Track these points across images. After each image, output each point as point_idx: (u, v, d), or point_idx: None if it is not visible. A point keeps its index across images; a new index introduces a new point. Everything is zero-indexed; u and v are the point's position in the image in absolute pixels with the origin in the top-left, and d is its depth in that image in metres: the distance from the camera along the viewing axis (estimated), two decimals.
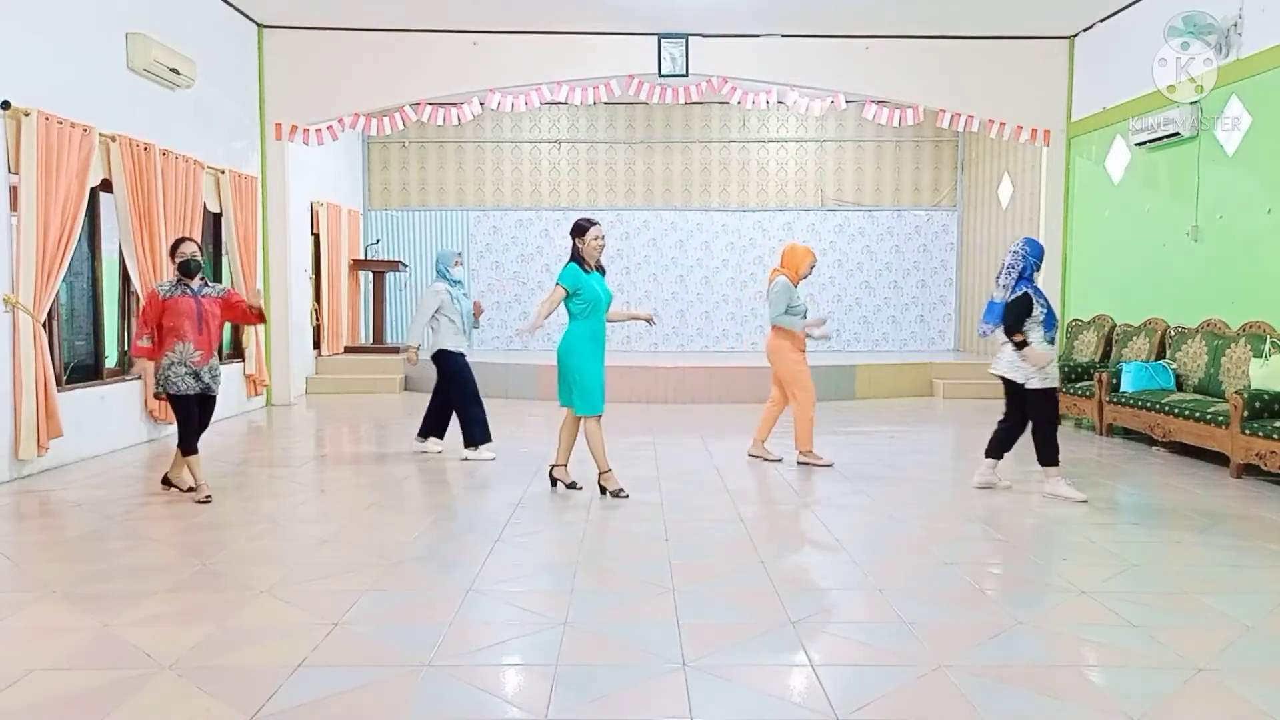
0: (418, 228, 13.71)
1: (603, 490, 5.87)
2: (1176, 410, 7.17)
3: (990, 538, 5.00)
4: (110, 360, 7.78)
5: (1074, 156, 10.43)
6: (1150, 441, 7.66)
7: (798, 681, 3.16)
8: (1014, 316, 5.73)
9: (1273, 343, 6.95)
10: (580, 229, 5.76)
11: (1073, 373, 9.00)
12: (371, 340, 12.95)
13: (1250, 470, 6.48)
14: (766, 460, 7.07)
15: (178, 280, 5.67)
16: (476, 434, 7.09)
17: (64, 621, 3.67)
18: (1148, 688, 3.09)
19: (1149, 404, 7.54)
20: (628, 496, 5.81)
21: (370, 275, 12.98)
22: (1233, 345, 7.43)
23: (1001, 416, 6.08)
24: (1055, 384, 5.86)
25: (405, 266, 13.12)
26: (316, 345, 11.87)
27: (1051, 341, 5.79)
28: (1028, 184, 11.39)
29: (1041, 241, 5.90)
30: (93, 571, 4.34)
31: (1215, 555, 4.73)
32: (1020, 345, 5.71)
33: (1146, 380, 7.84)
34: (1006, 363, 5.87)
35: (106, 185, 7.39)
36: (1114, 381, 8.17)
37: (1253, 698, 3.01)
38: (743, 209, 13.65)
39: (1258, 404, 6.43)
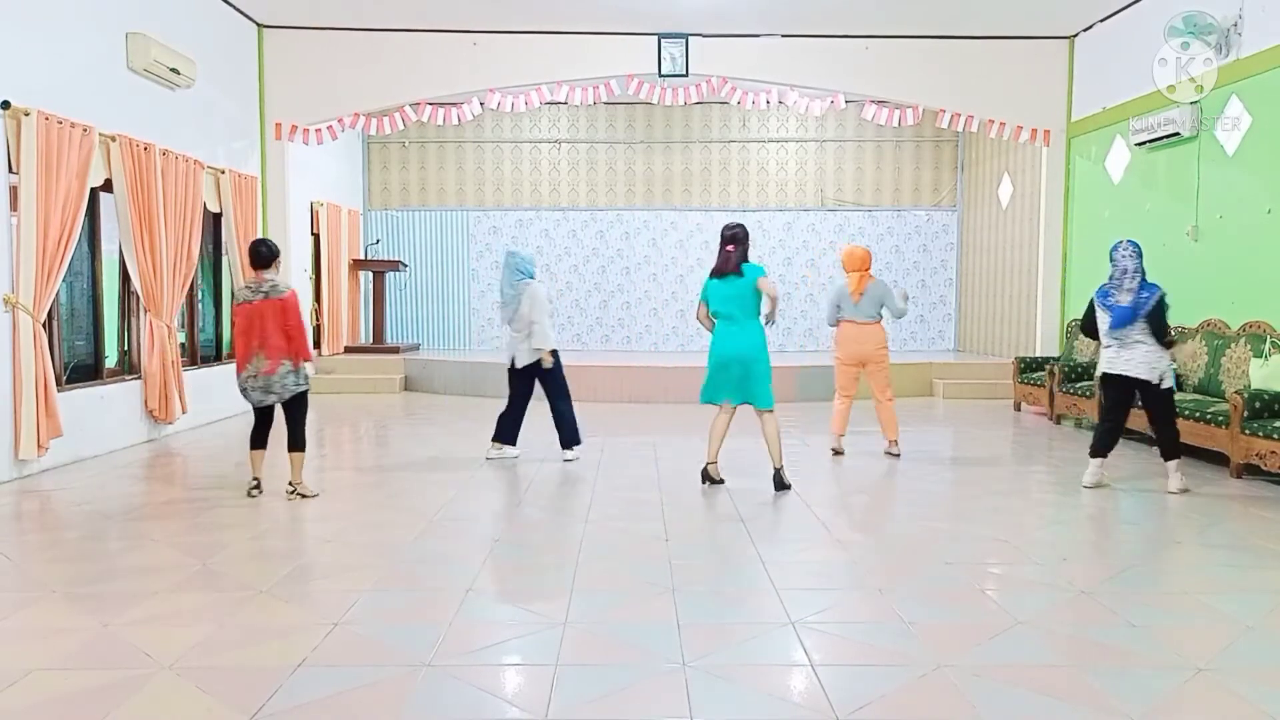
0: (418, 228, 13.71)
1: (780, 484, 6.01)
2: (1176, 410, 7.14)
3: (990, 537, 5.00)
4: (110, 360, 7.78)
5: (1074, 156, 10.43)
6: (1150, 441, 7.64)
7: (798, 681, 3.16)
8: (1164, 318, 5.78)
9: (1273, 343, 6.95)
10: (747, 231, 6.00)
11: (1072, 373, 9.00)
12: (371, 340, 12.95)
13: (1250, 470, 6.47)
14: (840, 453, 7.41)
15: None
16: (576, 435, 7.17)
17: (64, 621, 3.67)
18: (1148, 688, 3.09)
19: None
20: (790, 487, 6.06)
21: (370, 275, 12.99)
22: (1233, 345, 7.43)
23: (1106, 416, 6.21)
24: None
25: (405, 266, 13.12)
26: (317, 345, 11.86)
27: None
28: (1028, 184, 11.39)
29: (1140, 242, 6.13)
30: (93, 571, 4.34)
31: (1215, 555, 4.73)
32: (1171, 344, 5.81)
33: None
34: (1139, 363, 5.86)
35: (107, 185, 7.39)
36: None
37: (1253, 698, 3.01)
38: (743, 209, 13.63)
39: (1258, 404, 6.43)
